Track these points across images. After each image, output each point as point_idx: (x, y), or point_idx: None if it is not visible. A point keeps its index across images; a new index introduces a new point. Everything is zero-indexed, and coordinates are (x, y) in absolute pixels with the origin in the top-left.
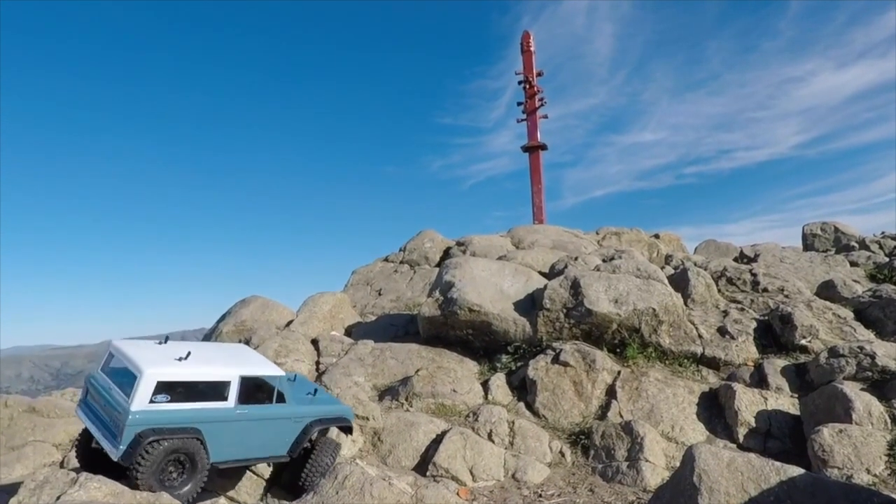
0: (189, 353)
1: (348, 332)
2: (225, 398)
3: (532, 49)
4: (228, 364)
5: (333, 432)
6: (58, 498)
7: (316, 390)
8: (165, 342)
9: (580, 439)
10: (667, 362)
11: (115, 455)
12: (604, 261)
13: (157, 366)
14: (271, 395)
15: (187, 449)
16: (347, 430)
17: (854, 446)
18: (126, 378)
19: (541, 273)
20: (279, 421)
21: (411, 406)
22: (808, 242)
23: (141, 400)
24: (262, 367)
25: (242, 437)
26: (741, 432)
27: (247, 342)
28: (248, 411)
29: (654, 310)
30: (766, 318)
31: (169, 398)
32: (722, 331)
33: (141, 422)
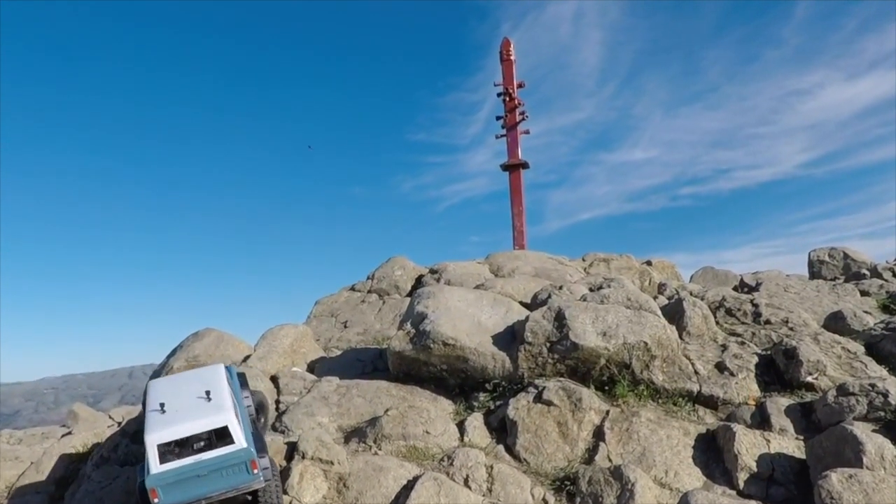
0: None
1: (311, 367)
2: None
3: (513, 58)
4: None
5: None
6: None
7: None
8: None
9: (565, 485)
10: (660, 401)
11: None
12: (591, 290)
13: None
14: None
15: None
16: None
17: (865, 493)
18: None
19: (522, 303)
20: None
21: (380, 449)
22: (815, 270)
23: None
24: (217, 383)
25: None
26: (741, 478)
27: None
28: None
29: (645, 343)
30: (769, 352)
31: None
32: (720, 367)
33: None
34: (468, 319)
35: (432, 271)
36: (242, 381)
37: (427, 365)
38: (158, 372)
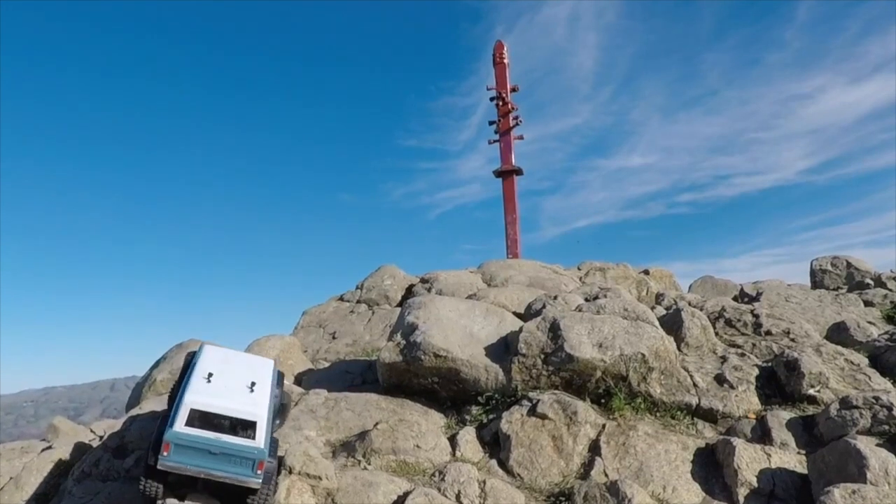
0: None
1: (298, 380)
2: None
3: (506, 61)
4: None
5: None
6: None
7: None
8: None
9: (560, 501)
10: (658, 414)
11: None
12: (586, 300)
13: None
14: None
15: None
16: None
17: None
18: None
19: (515, 314)
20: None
21: (369, 464)
22: (818, 279)
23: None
24: (263, 377)
25: None
26: (741, 493)
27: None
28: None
29: (643, 355)
30: (770, 364)
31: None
32: (720, 379)
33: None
34: (460, 330)
35: (423, 280)
36: (279, 380)
37: (418, 377)
38: (141, 384)
